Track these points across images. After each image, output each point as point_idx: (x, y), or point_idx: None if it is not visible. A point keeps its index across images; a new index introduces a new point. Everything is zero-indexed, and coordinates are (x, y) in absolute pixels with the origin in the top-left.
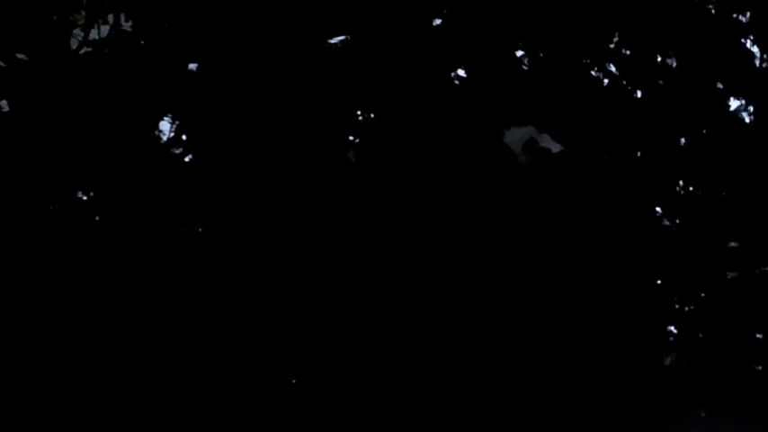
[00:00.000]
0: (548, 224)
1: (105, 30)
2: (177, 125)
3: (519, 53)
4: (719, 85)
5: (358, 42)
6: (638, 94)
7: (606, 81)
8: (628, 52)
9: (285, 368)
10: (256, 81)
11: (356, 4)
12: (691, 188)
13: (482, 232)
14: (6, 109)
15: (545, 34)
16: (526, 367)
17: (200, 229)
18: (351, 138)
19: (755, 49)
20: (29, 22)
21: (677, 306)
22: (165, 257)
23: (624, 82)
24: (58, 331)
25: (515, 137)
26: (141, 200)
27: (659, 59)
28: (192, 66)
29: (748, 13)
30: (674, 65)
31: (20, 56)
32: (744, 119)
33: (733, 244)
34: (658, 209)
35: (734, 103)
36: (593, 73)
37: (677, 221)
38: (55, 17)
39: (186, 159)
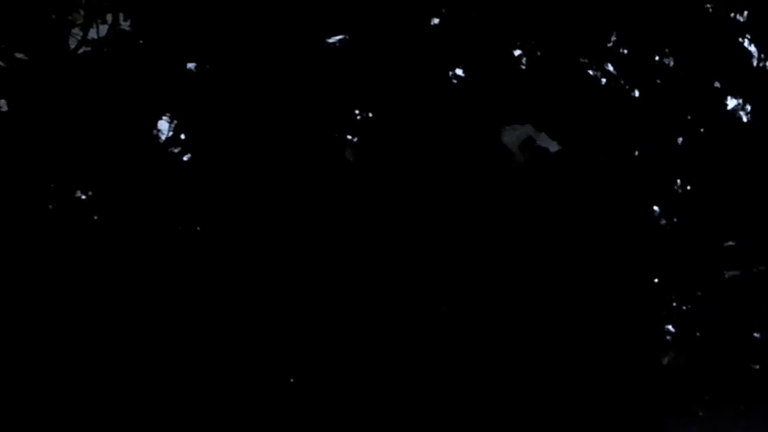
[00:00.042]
0: (545, 223)
1: (104, 29)
2: (176, 124)
3: (517, 52)
4: (717, 85)
5: (356, 42)
6: (636, 93)
7: (604, 80)
8: (625, 51)
9: (283, 367)
10: (255, 80)
11: (354, 4)
12: (688, 187)
13: (480, 230)
14: (5, 108)
15: (543, 34)
16: (523, 367)
17: (198, 228)
18: (349, 137)
19: (753, 49)
20: (28, 22)
21: (675, 305)
22: (163, 256)
23: (622, 81)
24: (55, 329)
25: (513, 136)
26: (139, 199)
27: (657, 59)
28: (191, 65)
29: (746, 13)
30: (672, 64)
31: (19, 55)
32: (741, 118)
33: (730, 243)
34: (656, 208)
35: (731, 102)
36: (590, 72)
37: (675, 220)
38: (54, 17)
39: (185, 158)
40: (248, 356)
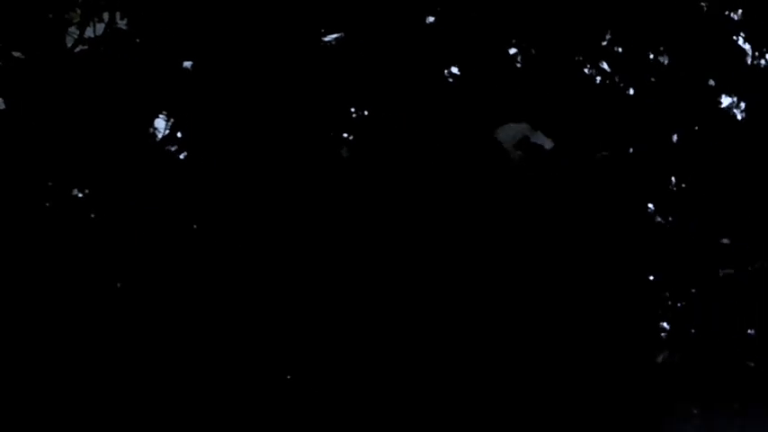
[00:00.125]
0: (541, 220)
1: (101, 28)
2: (172, 122)
3: (512, 51)
4: (711, 83)
5: (352, 40)
6: (631, 91)
7: (599, 78)
8: (620, 50)
9: (281, 366)
10: (251, 78)
11: (351, 3)
12: (683, 185)
13: (475, 228)
14: (3, 107)
15: (538, 32)
16: (517, 364)
17: (194, 226)
18: (344, 135)
19: (747, 47)
20: (25, 21)
21: (670, 302)
22: (160, 254)
23: (617, 79)
24: (52, 327)
25: (508, 134)
26: (136, 197)
27: (652, 57)
28: (187, 63)
29: (740, 11)
30: (667, 62)
31: (16, 54)
32: (735, 116)
33: (725, 241)
34: (651, 205)
35: (726, 100)
36: (585, 70)
37: (669, 218)
38: (51, 15)
39: (181, 156)
40: (246, 355)
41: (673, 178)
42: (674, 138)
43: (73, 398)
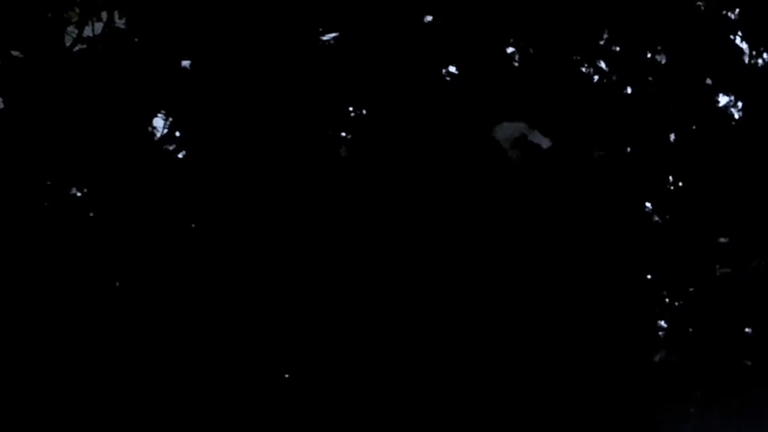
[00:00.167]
0: (538, 219)
1: (99, 27)
2: (171, 122)
3: (509, 50)
4: (709, 82)
5: (350, 40)
6: (628, 90)
7: (596, 77)
8: (617, 49)
9: (279, 367)
10: (249, 77)
11: (348, 2)
12: (680, 184)
13: (473, 227)
14: (1, 106)
15: (535, 31)
16: (511, 363)
17: (193, 225)
18: (343, 134)
19: (744, 46)
20: (23, 20)
21: (667, 301)
22: (158, 252)
23: (614, 78)
24: (49, 325)
25: (506, 133)
26: (135, 196)
27: (649, 56)
28: (186, 62)
29: (737, 10)
30: (664, 61)
31: (14, 53)
32: (733, 115)
33: (723, 239)
34: (648, 204)
35: (723, 99)
36: (583, 69)
37: (667, 217)
38: (49, 15)
39: (180, 155)
40: (245, 354)
41: (670, 177)
42: (672, 136)
43: (69, 395)
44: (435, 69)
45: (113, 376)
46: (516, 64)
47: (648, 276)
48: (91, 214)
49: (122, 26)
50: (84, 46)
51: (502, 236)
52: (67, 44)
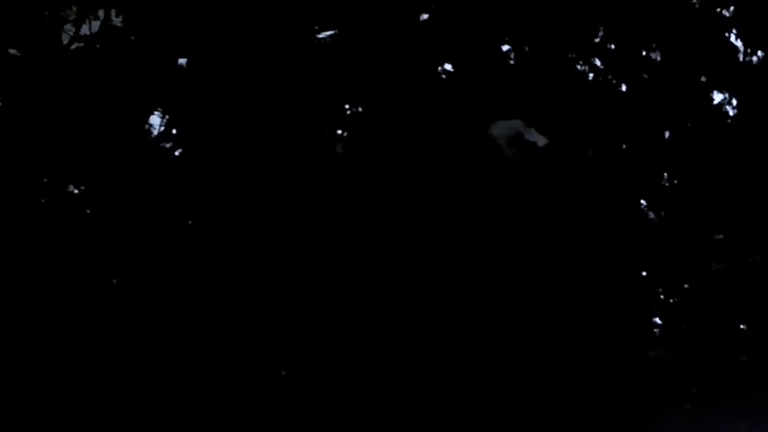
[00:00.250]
0: (534, 217)
1: (96, 25)
2: (167, 119)
3: (505, 48)
4: (704, 79)
5: (346, 37)
6: (624, 87)
7: (592, 75)
8: (613, 47)
9: (278, 367)
10: (246, 75)
11: (344, 0)
12: (675, 181)
13: (469, 225)
14: None
15: (531, 29)
16: (507, 362)
17: (189, 222)
18: (339, 131)
19: (739, 43)
20: (20, 19)
21: (662, 298)
22: (156, 250)
23: (609, 76)
24: (47, 322)
25: (502, 131)
26: (132, 194)
27: (644, 53)
28: (182, 60)
29: (732, 8)
30: (659, 59)
31: (12, 51)
32: (728, 112)
33: (718, 236)
34: (643, 201)
35: (718, 97)
36: (578, 67)
37: (662, 214)
38: (46, 13)
39: (176, 153)
40: (244, 354)
41: (665, 174)
42: (667, 134)
43: (67, 394)
44: (431, 67)
45: (110, 373)
46: (512, 62)
47: (644, 273)
48: (88, 211)
49: (119, 24)
50: (82, 44)
51: (498, 233)
52: (65, 42)
